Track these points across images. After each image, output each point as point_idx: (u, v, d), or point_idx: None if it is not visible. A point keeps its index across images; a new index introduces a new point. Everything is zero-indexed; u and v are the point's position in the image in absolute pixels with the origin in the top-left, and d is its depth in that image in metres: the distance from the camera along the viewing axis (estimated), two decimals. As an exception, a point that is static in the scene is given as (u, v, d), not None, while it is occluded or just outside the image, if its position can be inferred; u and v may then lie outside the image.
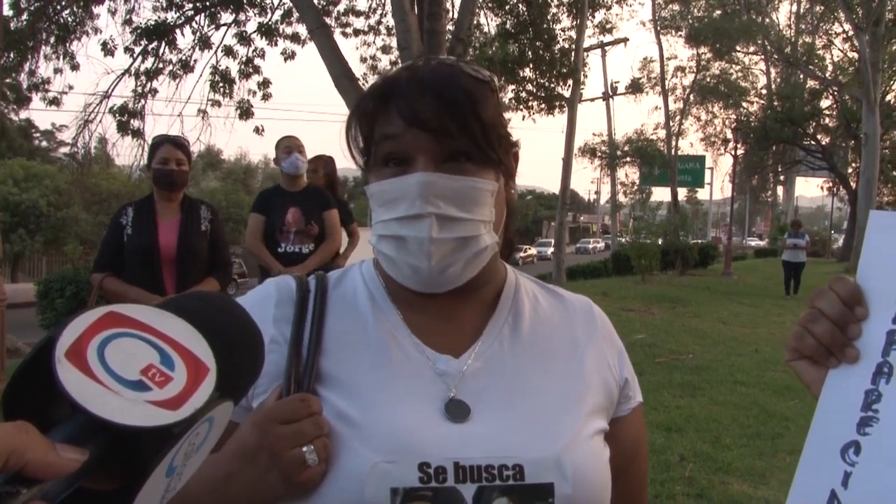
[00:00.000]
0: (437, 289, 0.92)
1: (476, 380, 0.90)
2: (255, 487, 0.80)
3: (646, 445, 1.07)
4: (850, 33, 26.78)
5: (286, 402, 0.81)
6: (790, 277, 16.44)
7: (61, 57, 12.72)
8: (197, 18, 12.61)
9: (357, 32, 14.03)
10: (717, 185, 39.71)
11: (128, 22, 12.56)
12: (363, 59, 14.54)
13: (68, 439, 0.42)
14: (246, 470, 0.80)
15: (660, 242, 21.85)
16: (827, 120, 34.08)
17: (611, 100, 34.70)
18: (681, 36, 30.68)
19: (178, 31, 12.57)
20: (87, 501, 0.44)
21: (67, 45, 12.66)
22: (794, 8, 34.34)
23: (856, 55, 27.05)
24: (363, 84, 9.09)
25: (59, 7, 12.42)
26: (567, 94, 16.15)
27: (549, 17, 12.87)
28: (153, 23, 12.30)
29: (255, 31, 12.77)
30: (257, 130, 13.21)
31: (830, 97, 33.01)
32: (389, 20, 12.57)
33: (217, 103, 13.06)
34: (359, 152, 0.95)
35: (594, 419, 0.92)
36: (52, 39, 12.56)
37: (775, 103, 33.46)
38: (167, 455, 0.45)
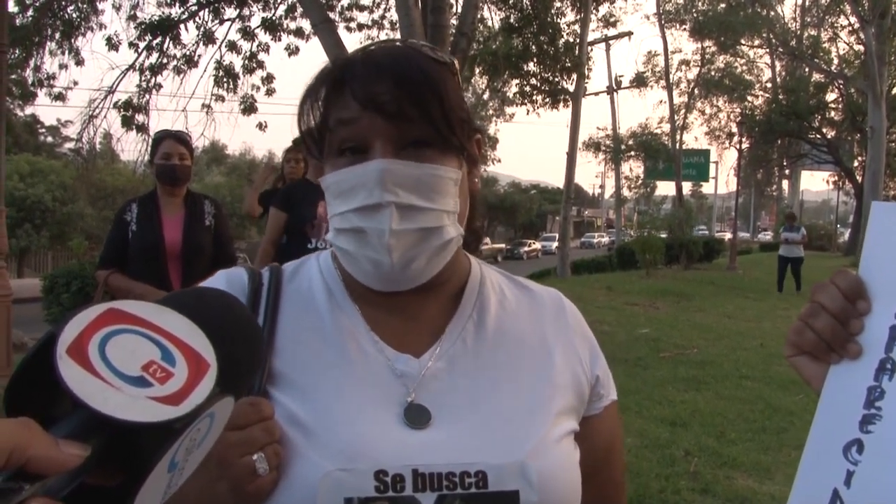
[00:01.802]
0: (399, 286, 0.87)
1: (437, 381, 0.85)
2: (203, 498, 0.74)
3: (620, 445, 1.02)
4: (856, 26, 26.61)
5: (235, 407, 0.77)
6: (783, 272, 15.87)
7: (66, 52, 12.74)
8: (201, 14, 12.61)
9: (361, 27, 13.99)
10: (722, 179, 39.54)
11: (132, 17, 12.57)
12: (367, 54, 14.48)
13: (70, 435, 0.42)
14: (192, 480, 0.72)
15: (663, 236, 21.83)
16: (832, 113, 33.93)
17: (615, 94, 34.68)
18: (685, 29, 30.53)
19: (182, 26, 12.57)
20: (89, 497, 0.44)
21: (72, 40, 12.68)
22: (800, 0, 34.19)
23: (862, 48, 26.88)
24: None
25: (63, 3, 12.44)
26: (571, 88, 16.10)
27: (552, 11, 12.81)
28: (157, 18, 12.31)
29: (258, 27, 12.77)
30: (261, 126, 13.20)
31: (836, 90, 32.86)
32: (393, 15, 12.54)
33: (221, 98, 13.05)
34: (312, 141, 0.88)
35: (563, 420, 0.87)
36: (57, 35, 12.58)
37: (780, 97, 33.35)
38: (169, 451, 0.45)
